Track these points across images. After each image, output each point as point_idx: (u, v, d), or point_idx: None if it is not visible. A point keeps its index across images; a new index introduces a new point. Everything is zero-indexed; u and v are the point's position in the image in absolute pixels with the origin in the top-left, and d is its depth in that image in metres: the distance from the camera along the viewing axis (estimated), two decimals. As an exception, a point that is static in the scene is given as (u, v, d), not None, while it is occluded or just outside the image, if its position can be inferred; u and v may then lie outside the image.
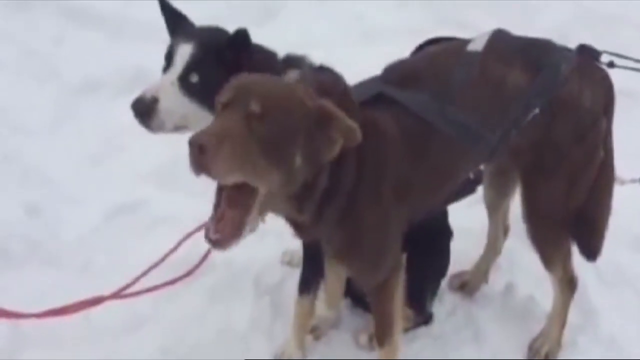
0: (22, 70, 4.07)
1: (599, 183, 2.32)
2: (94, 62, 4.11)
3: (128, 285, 2.53)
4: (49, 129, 3.67)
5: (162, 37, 2.54)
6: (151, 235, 3.03)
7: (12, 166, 3.37)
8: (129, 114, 3.73)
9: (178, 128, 2.27)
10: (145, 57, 3.99)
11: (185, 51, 2.20)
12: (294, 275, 2.61)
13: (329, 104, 1.74)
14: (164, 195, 3.26)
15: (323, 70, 2.41)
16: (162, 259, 2.73)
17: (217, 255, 2.79)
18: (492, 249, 2.83)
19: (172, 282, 2.75)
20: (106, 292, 2.71)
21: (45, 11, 4.59)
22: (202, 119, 2.23)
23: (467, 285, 2.82)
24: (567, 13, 4.78)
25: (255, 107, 1.64)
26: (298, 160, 1.70)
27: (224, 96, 1.70)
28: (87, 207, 3.19)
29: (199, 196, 3.17)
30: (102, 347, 2.53)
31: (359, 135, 1.71)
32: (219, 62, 2.18)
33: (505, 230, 2.80)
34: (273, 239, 2.91)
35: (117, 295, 2.55)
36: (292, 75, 2.32)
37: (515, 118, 2.08)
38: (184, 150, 3.58)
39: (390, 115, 1.95)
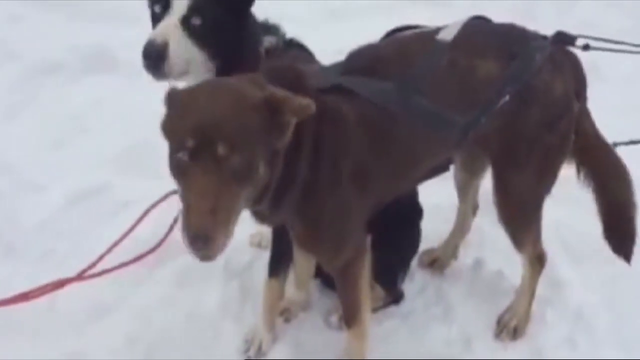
0: (-24, 51, 3.95)
1: (608, 171, 2.32)
2: (53, 43, 4.01)
3: (91, 266, 2.47)
4: (7, 113, 3.58)
5: (122, 16, 2.49)
6: (114, 220, 2.96)
7: (-32, 152, 3.27)
8: (90, 95, 3.71)
9: (181, 75, 2.21)
10: (106, 36, 3.93)
11: None
12: (263, 257, 2.58)
13: (276, 91, 1.70)
14: (126, 179, 3.20)
15: (292, 44, 2.39)
16: (124, 236, 2.66)
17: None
18: (461, 226, 2.84)
19: (138, 258, 2.68)
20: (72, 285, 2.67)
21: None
22: (202, 65, 2.22)
23: (437, 262, 2.82)
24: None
25: (222, 150, 1.58)
26: (261, 167, 1.67)
27: (186, 141, 1.61)
28: (47, 192, 3.11)
29: (162, 179, 3.12)
30: (67, 335, 2.47)
31: (312, 108, 1.67)
32: (220, 5, 2.15)
33: (474, 209, 2.81)
34: (241, 221, 2.87)
35: (81, 277, 2.47)
36: (269, 40, 2.33)
37: (484, 105, 2.06)
38: (146, 133, 3.55)
39: (349, 102, 1.91)
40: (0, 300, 2.40)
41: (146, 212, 2.79)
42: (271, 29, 2.39)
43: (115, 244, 2.53)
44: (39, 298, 2.46)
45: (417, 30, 2.20)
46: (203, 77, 2.26)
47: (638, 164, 3.02)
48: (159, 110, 3.52)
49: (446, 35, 2.07)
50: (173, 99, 1.71)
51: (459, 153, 2.47)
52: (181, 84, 2.23)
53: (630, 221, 2.32)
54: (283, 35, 2.41)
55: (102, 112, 3.60)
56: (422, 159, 2.18)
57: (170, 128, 1.70)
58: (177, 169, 1.65)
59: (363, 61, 2.03)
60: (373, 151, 1.96)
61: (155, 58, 2.12)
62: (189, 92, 1.74)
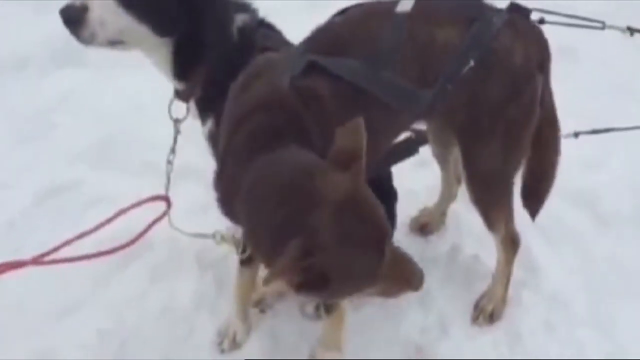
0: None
1: (543, 142, 2.31)
2: (20, 37, 3.91)
3: (51, 251, 2.35)
4: (-27, 109, 3.49)
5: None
6: (85, 217, 2.87)
7: None
8: (60, 90, 3.64)
9: (113, 43, 2.13)
10: (74, 30, 3.85)
11: None
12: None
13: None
14: (97, 175, 3.13)
15: (263, 24, 2.34)
16: (95, 228, 2.53)
17: (157, 232, 2.70)
18: (448, 193, 2.85)
19: (109, 252, 2.53)
20: (39, 276, 2.61)
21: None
22: (141, 35, 2.13)
23: (426, 227, 2.86)
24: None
25: None
26: None
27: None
28: (16, 189, 3.04)
29: (134, 175, 3.12)
30: (36, 333, 2.43)
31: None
32: None
33: (458, 177, 2.75)
34: (215, 213, 2.83)
35: (38, 261, 2.34)
36: (241, 18, 2.24)
37: (450, 72, 2.02)
38: (117, 128, 3.49)
39: (324, 82, 1.87)
40: None
41: (124, 210, 2.69)
42: (243, 6, 2.30)
43: (84, 234, 2.44)
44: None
45: (374, 3, 2.14)
46: (154, 52, 2.22)
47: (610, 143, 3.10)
48: (130, 105, 3.53)
49: (404, 7, 2.03)
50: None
51: (428, 127, 2.46)
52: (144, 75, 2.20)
53: (546, 188, 2.41)
54: (255, 13, 2.33)
55: (71, 107, 3.53)
56: (392, 131, 2.17)
57: (356, 272, 1.60)
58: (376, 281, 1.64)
59: (325, 42, 1.98)
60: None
61: (70, 21, 2.06)
62: (342, 238, 1.55)
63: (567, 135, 2.66)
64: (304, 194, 1.56)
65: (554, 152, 2.39)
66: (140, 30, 2.11)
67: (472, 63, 2.02)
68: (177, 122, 2.38)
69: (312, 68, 1.87)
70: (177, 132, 2.41)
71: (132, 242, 2.57)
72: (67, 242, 2.39)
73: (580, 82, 3.51)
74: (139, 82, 2.76)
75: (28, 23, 4.04)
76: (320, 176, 1.58)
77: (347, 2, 2.16)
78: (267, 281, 1.46)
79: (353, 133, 1.62)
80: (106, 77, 3.63)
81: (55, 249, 2.34)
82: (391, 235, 1.62)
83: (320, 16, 2.11)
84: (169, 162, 2.47)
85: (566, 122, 2.56)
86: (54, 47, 3.83)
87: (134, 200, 2.75)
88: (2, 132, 3.38)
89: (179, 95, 2.33)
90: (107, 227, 2.54)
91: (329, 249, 1.50)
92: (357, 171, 1.60)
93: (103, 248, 2.47)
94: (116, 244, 2.51)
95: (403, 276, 1.66)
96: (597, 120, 2.83)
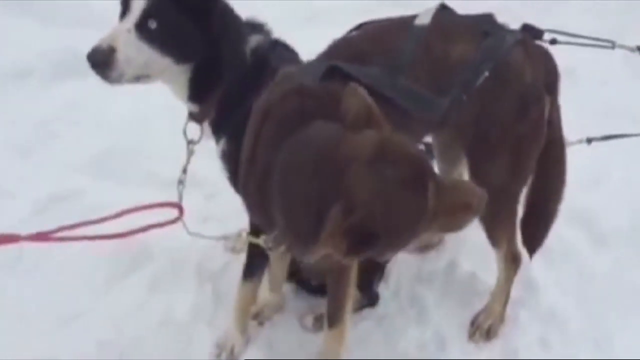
0: (-56, 59, 3.86)
1: (549, 170, 2.34)
2: (24, 48, 3.94)
3: (52, 231, 2.32)
4: (-25, 120, 3.50)
5: (93, 21, 2.45)
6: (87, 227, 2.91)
7: (-64, 159, 3.20)
8: (61, 101, 3.66)
9: (139, 78, 2.18)
10: (77, 41, 3.80)
11: None
12: (236, 262, 2.56)
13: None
14: (98, 184, 3.14)
15: (278, 44, 2.38)
16: (100, 220, 2.48)
17: (157, 242, 2.71)
18: None
19: (102, 237, 2.45)
20: (39, 286, 2.63)
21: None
22: (163, 66, 2.17)
23: (426, 245, 2.84)
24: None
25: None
26: None
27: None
28: (17, 198, 3.05)
29: (135, 186, 3.13)
30: (37, 341, 2.43)
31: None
32: (179, 6, 2.10)
33: None
34: (215, 225, 2.85)
35: (35, 237, 2.31)
36: (255, 39, 2.29)
37: (465, 82, 2.05)
38: (117, 139, 3.51)
39: (342, 86, 1.85)
40: None
41: (135, 209, 2.57)
42: (257, 27, 2.35)
43: (85, 223, 2.41)
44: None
45: (390, 19, 2.19)
46: (174, 79, 2.26)
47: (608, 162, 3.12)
48: (131, 117, 3.54)
49: (422, 21, 2.08)
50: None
51: (436, 142, 2.48)
52: (145, 86, 2.24)
53: (547, 224, 2.44)
54: (269, 34, 2.37)
55: (72, 118, 3.55)
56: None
57: (406, 219, 1.58)
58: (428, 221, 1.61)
59: (344, 51, 2.02)
60: None
61: (99, 65, 2.09)
62: (382, 187, 1.55)
63: (580, 141, 2.70)
64: (331, 162, 1.56)
65: (559, 180, 2.41)
66: (164, 62, 2.15)
67: (486, 74, 2.06)
68: (190, 143, 2.39)
69: (331, 74, 1.90)
70: (190, 153, 2.42)
71: (137, 232, 2.47)
72: (64, 228, 2.34)
73: (578, 103, 3.53)
74: (141, 93, 2.77)
75: (31, 35, 4.07)
76: (344, 141, 1.60)
77: (345, 17, 2.21)
78: (315, 254, 1.45)
79: (354, 96, 1.65)
80: (108, 88, 3.62)
81: (52, 231, 2.30)
82: (432, 169, 1.60)
83: (321, 30, 2.14)
84: (181, 182, 2.46)
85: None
86: (57, 58, 3.87)
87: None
88: (4, 141, 3.39)
89: (194, 117, 2.36)
90: (110, 229, 2.49)
91: (368, 203, 1.50)
92: (377, 124, 1.61)
93: (106, 246, 2.46)
94: (120, 244, 2.48)
95: (459, 202, 1.62)
96: (595, 143, 2.85)
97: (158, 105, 3.15)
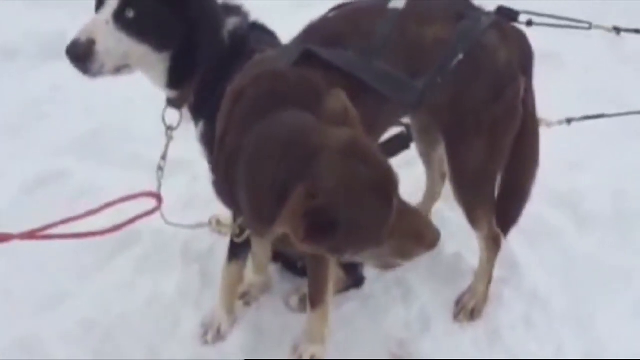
0: None
1: (522, 150, 2.35)
2: (10, 29, 3.92)
3: (41, 229, 2.25)
4: (-39, 101, 3.49)
5: (81, 2, 2.43)
6: (73, 208, 2.88)
7: None
8: (49, 82, 3.64)
9: (119, 69, 2.18)
10: (65, 22, 3.82)
11: None
12: (223, 243, 2.57)
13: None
14: (83, 165, 3.15)
15: (256, 27, 2.37)
16: (84, 215, 2.37)
17: (144, 224, 2.71)
18: (432, 193, 2.88)
19: (98, 233, 2.36)
20: (25, 267, 2.63)
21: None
22: (143, 55, 2.17)
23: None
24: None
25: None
26: None
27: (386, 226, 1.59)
28: (4, 180, 3.05)
29: (120, 167, 3.13)
30: (21, 320, 2.45)
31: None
32: None
33: (443, 176, 2.80)
34: (200, 207, 2.87)
35: (27, 235, 2.24)
36: (232, 22, 2.27)
37: (440, 64, 2.06)
38: (106, 120, 3.50)
39: (319, 72, 1.89)
40: None
41: (113, 203, 2.68)
42: (234, 10, 2.33)
43: (71, 219, 2.43)
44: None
45: (367, 1, 2.19)
46: (153, 67, 2.25)
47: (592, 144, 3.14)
48: (118, 99, 3.53)
49: (397, 4, 2.08)
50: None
51: (415, 125, 2.49)
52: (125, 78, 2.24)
53: (521, 203, 2.47)
54: (247, 16, 2.36)
55: (61, 99, 3.54)
56: (383, 122, 2.21)
57: (366, 220, 1.57)
58: (385, 237, 1.61)
59: (320, 34, 2.03)
60: None
61: (79, 58, 2.09)
62: (348, 179, 1.55)
63: (560, 122, 2.72)
64: (304, 145, 1.57)
65: (533, 160, 2.44)
66: (143, 50, 2.15)
67: (461, 56, 2.06)
68: (169, 129, 2.39)
69: (307, 58, 1.90)
70: (169, 139, 2.41)
71: (120, 227, 2.43)
72: (53, 225, 2.34)
73: (563, 87, 3.55)
74: (127, 76, 2.76)
75: (19, 16, 4.06)
76: (319, 129, 1.61)
77: (333, 3, 2.21)
78: (271, 235, 1.45)
79: (337, 98, 1.67)
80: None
81: (42, 229, 2.30)
82: (397, 185, 1.60)
83: (310, 15, 2.14)
84: (160, 169, 2.45)
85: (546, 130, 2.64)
86: (44, 39, 3.85)
87: (120, 192, 2.73)
88: (-10, 123, 3.38)
89: (172, 103, 2.35)
90: (95, 219, 2.53)
91: (333, 190, 1.50)
92: (353, 125, 1.63)
93: (92, 228, 2.45)
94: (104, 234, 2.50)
95: (416, 232, 1.64)
96: (580, 124, 2.87)
97: (144, 88, 3.10)
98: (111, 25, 2.09)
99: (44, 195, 3.01)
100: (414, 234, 1.65)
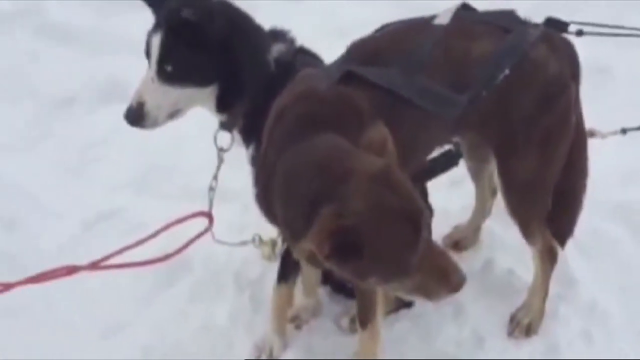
0: (-2, 91, 4.07)
1: (572, 159, 2.33)
2: (69, 77, 4.12)
3: (103, 259, 2.47)
4: (26, 145, 3.66)
5: (134, 49, 2.58)
6: (130, 240, 3.01)
7: (-12, 184, 3.36)
8: (105, 125, 3.81)
9: (172, 115, 2.37)
10: (119, 69, 4.04)
11: (156, 42, 2.26)
12: (273, 270, 2.59)
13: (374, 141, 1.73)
14: (140, 201, 3.26)
15: (303, 51, 2.46)
16: (142, 241, 2.59)
17: (196, 252, 2.78)
18: (481, 209, 2.85)
19: (154, 261, 2.60)
20: (84, 299, 2.73)
21: (22, 30, 4.59)
22: (190, 98, 2.34)
23: (460, 244, 2.85)
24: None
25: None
26: None
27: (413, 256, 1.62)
28: (65, 217, 3.18)
29: (174, 201, 3.22)
30: (84, 351, 2.53)
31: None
32: (187, 40, 2.22)
33: (493, 191, 2.77)
34: (252, 233, 2.91)
35: (94, 266, 2.47)
36: (277, 48, 2.38)
37: (485, 80, 2.07)
38: (156, 157, 3.62)
39: (361, 92, 1.93)
40: (12, 283, 2.38)
41: (168, 225, 2.71)
42: (280, 36, 2.44)
43: (131, 246, 2.52)
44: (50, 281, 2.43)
45: (410, 19, 2.23)
46: (202, 101, 2.39)
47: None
48: (169, 136, 3.64)
49: (441, 20, 2.11)
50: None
51: (463, 142, 2.50)
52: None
53: (575, 213, 2.45)
54: (293, 42, 2.45)
55: (116, 141, 3.67)
56: (428, 143, 2.23)
57: (390, 247, 1.59)
58: (410, 271, 1.63)
59: (363, 52, 2.06)
60: None
61: (135, 121, 2.34)
62: (376, 205, 1.58)
63: (615, 132, 2.68)
64: (337, 168, 1.61)
65: (583, 169, 2.42)
66: (189, 93, 2.32)
67: (507, 71, 2.07)
68: (221, 151, 2.51)
69: (349, 78, 1.94)
70: (220, 160, 2.54)
71: (178, 252, 2.61)
72: (115, 254, 2.47)
73: (612, 100, 3.49)
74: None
75: (76, 64, 4.26)
76: (354, 155, 1.65)
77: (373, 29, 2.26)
78: (301, 251, 1.50)
79: (378, 129, 1.70)
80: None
81: (104, 259, 2.45)
82: (428, 219, 1.61)
83: (348, 40, 2.18)
84: (212, 189, 2.57)
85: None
86: (100, 85, 4.04)
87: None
88: (52, 166, 3.53)
89: (223, 126, 2.47)
90: (151, 245, 2.61)
91: (361, 213, 1.53)
92: (389, 156, 1.65)
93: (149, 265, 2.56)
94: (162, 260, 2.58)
95: (442, 272, 1.65)
96: (631, 136, 2.81)
97: (191, 125, 3.26)
98: (156, 83, 2.29)
99: (103, 231, 3.13)
100: (440, 274, 1.66)
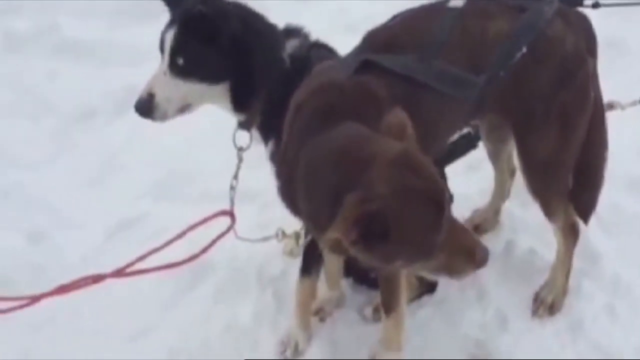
0: (18, 109, 4.12)
1: (592, 134, 2.31)
2: (87, 91, 4.20)
3: (127, 265, 2.52)
4: (48, 160, 3.72)
5: (148, 57, 2.64)
6: (153, 246, 3.06)
7: (13, 199, 3.42)
8: (124, 135, 3.87)
9: (182, 110, 2.41)
10: (134, 78, 4.07)
11: (169, 36, 2.31)
12: (296, 266, 2.62)
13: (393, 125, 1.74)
14: (162, 207, 3.30)
15: (318, 46, 2.49)
16: (166, 244, 2.65)
17: (218, 253, 2.81)
18: (501, 191, 2.84)
19: (180, 263, 2.68)
20: (110, 304, 2.77)
21: (37, 50, 4.66)
22: (201, 93, 2.39)
23: (480, 227, 2.84)
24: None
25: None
26: None
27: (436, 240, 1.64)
28: (89, 228, 3.23)
29: (194, 205, 3.26)
30: (112, 353, 2.59)
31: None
32: (199, 35, 2.27)
33: (512, 172, 2.79)
34: (274, 231, 2.93)
35: (119, 273, 2.52)
36: (292, 44, 2.41)
37: (502, 59, 2.07)
38: (175, 163, 3.67)
39: (379, 80, 1.95)
40: (39, 295, 2.44)
41: (191, 227, 2.75)
42: (294, 32, 2.47)
43: (155, 250, 2.56)
44: (77, 290, 2.50)
45: (425, 5, 2.23)
46: (216, 99, 2.43)
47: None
48: (186, 141, 3.69)
49: (456, 3, 2.11)
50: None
51: (482, 124, 2.49)
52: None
53: (597, 188, 2.42)
54: (307, 37, 2.48)
55: (136, 149, 3.74)
56: (449, 126, 2.23)
57: (414, 230, 1.61)
58: (435, 252, 1.65)
59: (379, 40, 2.08)
60: None
61: (144, 112, 2.38)
62: (399, 189, 1.60)
63: (634, 103, 2.67)
64: (358, 155, 1.64)
65: (602, 143, 2.40)
66: (200, 88, 2.36)
67: (524, 50, 2.07)
68: (240, 150, 2.54)
69: (366, 67, 1.96)
70: (240, 160, 2.57)
71: (202, 252, 2.67)
72: (140, 258, 2.53)
73: (629, 73, 3.44)
74: (193, 118, 2.94)
75: (93, 78, 4.33)
76: (374, 140, 1.67)
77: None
78: (326, 241, 1.52)
79: (397, 114, 1.71)
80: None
81: (128, 265, 2.49)
82: (450, 199, 1.63)
83: (358, 36, 2.19)
84: (232, 188, 2.61)
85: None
86: (117, 96, 4.09)
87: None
88: (75, 178, 3.59)
89: (242, 125, 2.51)
90: (174, 249, 2.66)
91: (385, 198, 1.54)
92: (408, 140, 1.66)
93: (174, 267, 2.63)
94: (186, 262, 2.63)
95: (466, 249, 1.67)
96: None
97: (208, 129, 3.32)
98: (168, 76, 2.33)
99: (126, 239, 3.17)
100: (464, 251, 1.67)
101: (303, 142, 1.83)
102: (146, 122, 2.55)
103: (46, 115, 4.06)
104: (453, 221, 1.66)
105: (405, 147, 1.64)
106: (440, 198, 1.61)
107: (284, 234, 2.41)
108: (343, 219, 1.53)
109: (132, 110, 2.60)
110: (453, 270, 1.71)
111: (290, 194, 1.95)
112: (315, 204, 1.76)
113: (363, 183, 1.57)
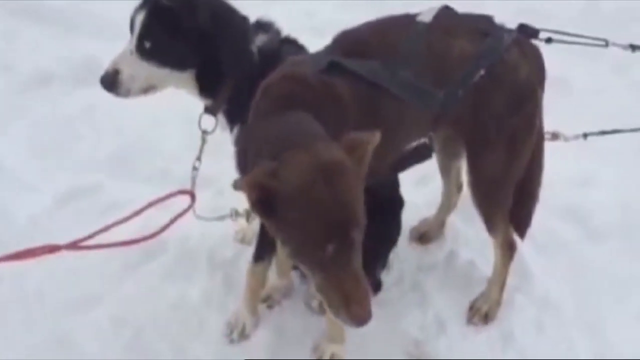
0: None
1: (532, 159, 2.48)
2: (46, 56, 4.14)
3: (85, 238, 2.50)
4: (1, 122, 3.67)
5: (113, 31, 2.65)
6: (103, 219, 3.04)
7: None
8: (82, 104, 3.84)
9: (146, 90, 2.52)
10: (97, 49, 4.04)
11: (138, 20, 2.40)
12: (247, 252, 2.70)
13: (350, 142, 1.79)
14: (116, 182, 3.31)
15: (288, 41, 2.57)
16: (126, 219, 2.63)
17: (171, 233, 2.84)
18: (447, 203, 2.99)
19: (139, 240, 2.65)
20: (56, 273, 2.77)
21: (-4, 7, 4.59)
22: (165, 77, 2.48)
23: (425, 236, 3.00)
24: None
25: (358, 234, 1.70)
26: None
27: (326, 246, 1.66)
28: (39, 192, 3.21)
29: (148, 182, 3.29)
30: (56, 321, 2.60)
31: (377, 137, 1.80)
32: (166, 25, 2.36)
33: (459, 188, 2.93)
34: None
35: (75, 246, 2.49)
36: (261, 38, 2.50)
37: (463, 78, 2.19)
38: (135, 139, 3.66)
39: (344, 81, 2.04)
40: None
41: (151, 203, 2.76)
42: (265, 27, 2.56)
43: (111, 225, 2.56)
44: (29, 259, 2.42)
45: (395, 15, 2.32)
46: (181, 83, 2.52)
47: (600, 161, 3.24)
48: (146, 119, 3.69)
49: (425, 18, 2.23)
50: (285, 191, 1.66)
51: (437, 137, 2.62)
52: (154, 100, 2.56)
53: (532, 207, 2.62)
54: (278, 32, 2.57)
55: (93, 120, 3.71)
56: (405, 135, 2.32)
57: (298, 225, 1.67)
58: (318, 264, 1.70)
59: (349, 43, 2.17)
60: (364, 127, 2.02)
61: (108, 85, 2.48)
62: (302, 184, 1.66)
63: (577, 136, 2.85)
64: (297, 138, 1.76)
65: (539, 167, 2.59)
66: (164, 72, 2.46)
67: (482, 72, 2.21)
68: (205, 133, 2.62)
69: (333, 68, 2.05)
70: (204, 142, 2.65)
71: (159, 232, 2.66)
72: (97, 232, 2.53)
73: (572, 109, 3.66)
74: (155, 98, 2.97)
75: (53, 43, 4.27)
76: (319, 137, 1.79)
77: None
78: (235, 185, 1.71)
79: (370, 136, 1.78)
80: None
81: (85, 239, 2.49)
82: (358, 229, 1.67)
83: (324, 40, 2.27)
84: (195, 169, 2.67)
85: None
86: (77, 65, 4.05)
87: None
88: (27, 142, 3.55)
89: (208, 110, 2.59)
90: (127, 225, 2.65)
91: (286, 185, 1.64)
92: (359, 156, 1.73)
93: (121, 236, 2.60)
94: (135, 234, 2.64)
95: (346, 294, 1.67)
96: (589, 143, 2.96)
97: (171, 109, 3.34)
98: (134, 55, 2.43)
99: (76, 208, 3.16)
100: (344, 294, 1.67)
101: (262, 120, 1.96)
102: (108, 96, 2.60)
103: (1, 75, 3.99)
104: (352, 261, 1.68)
105: (341, 162, 1.69)
106: (343, 223, 1.64)
107: (237, 212, 2.49)
108: (247, 179, 1.67)
109: (92, 81, 2.65)
110: (329, 303, 1.74)
111: (242, 162, 2.10)
112: (249, 162, 1.92)
113: (282, 161, 1.68)
